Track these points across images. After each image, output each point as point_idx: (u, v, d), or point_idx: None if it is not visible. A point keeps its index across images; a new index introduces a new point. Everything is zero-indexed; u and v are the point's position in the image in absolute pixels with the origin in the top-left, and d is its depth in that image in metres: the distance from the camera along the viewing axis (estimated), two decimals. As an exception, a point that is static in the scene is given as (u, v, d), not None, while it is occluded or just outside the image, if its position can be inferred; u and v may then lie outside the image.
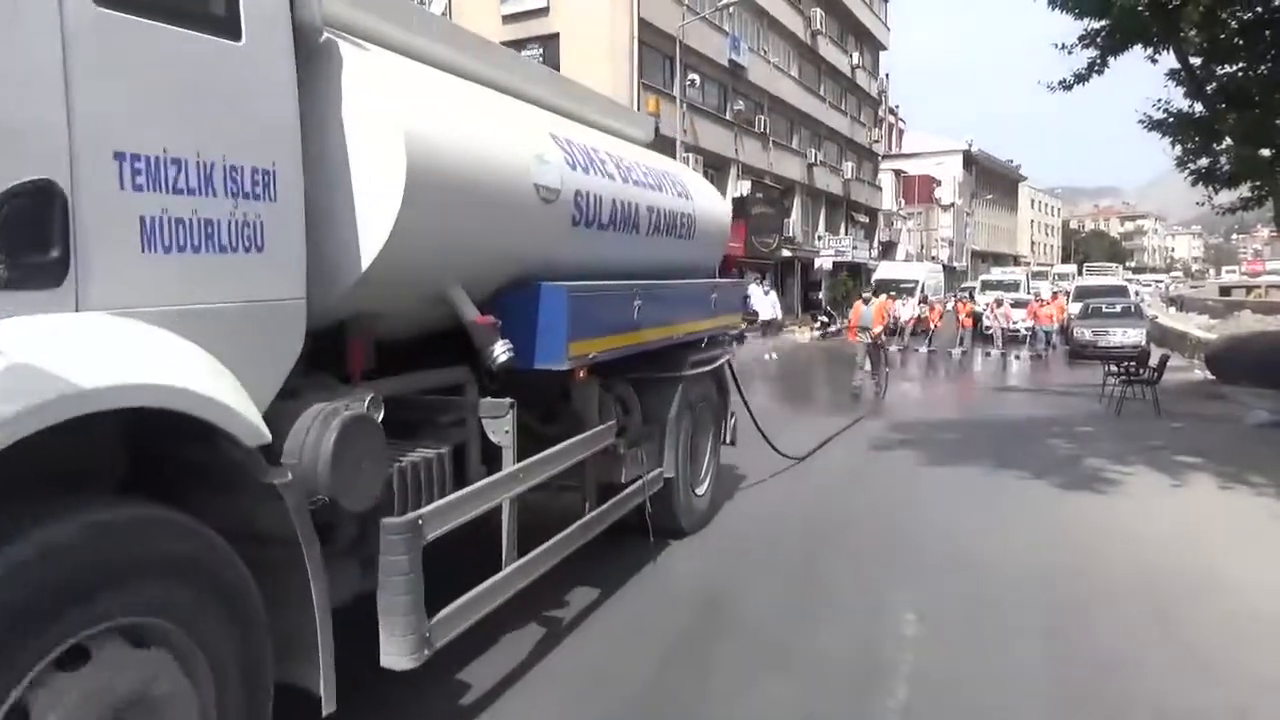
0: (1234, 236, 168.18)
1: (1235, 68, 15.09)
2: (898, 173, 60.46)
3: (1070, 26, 26.20)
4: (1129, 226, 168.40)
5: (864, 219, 52.67)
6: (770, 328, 28.58)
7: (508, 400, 4.29)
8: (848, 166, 48.81)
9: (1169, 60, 14.79)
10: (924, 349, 25.93)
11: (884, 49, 55.90)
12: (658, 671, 4.58)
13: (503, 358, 4.15)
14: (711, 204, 7.50)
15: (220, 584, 2.64)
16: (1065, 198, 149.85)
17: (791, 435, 10.26)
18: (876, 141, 55.63)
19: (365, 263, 3.44)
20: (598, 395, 5.47)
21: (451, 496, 3.78)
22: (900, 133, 68.18)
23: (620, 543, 6.09)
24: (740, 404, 8.46)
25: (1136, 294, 36.44)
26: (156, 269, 2.55)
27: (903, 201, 60.82)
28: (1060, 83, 15.57)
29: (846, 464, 9.87)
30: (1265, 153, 14.87)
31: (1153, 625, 5.17)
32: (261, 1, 2.92)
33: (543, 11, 28.53)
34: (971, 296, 31.94)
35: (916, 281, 33.81)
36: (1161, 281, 77.21)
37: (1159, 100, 15.88)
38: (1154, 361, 14.90)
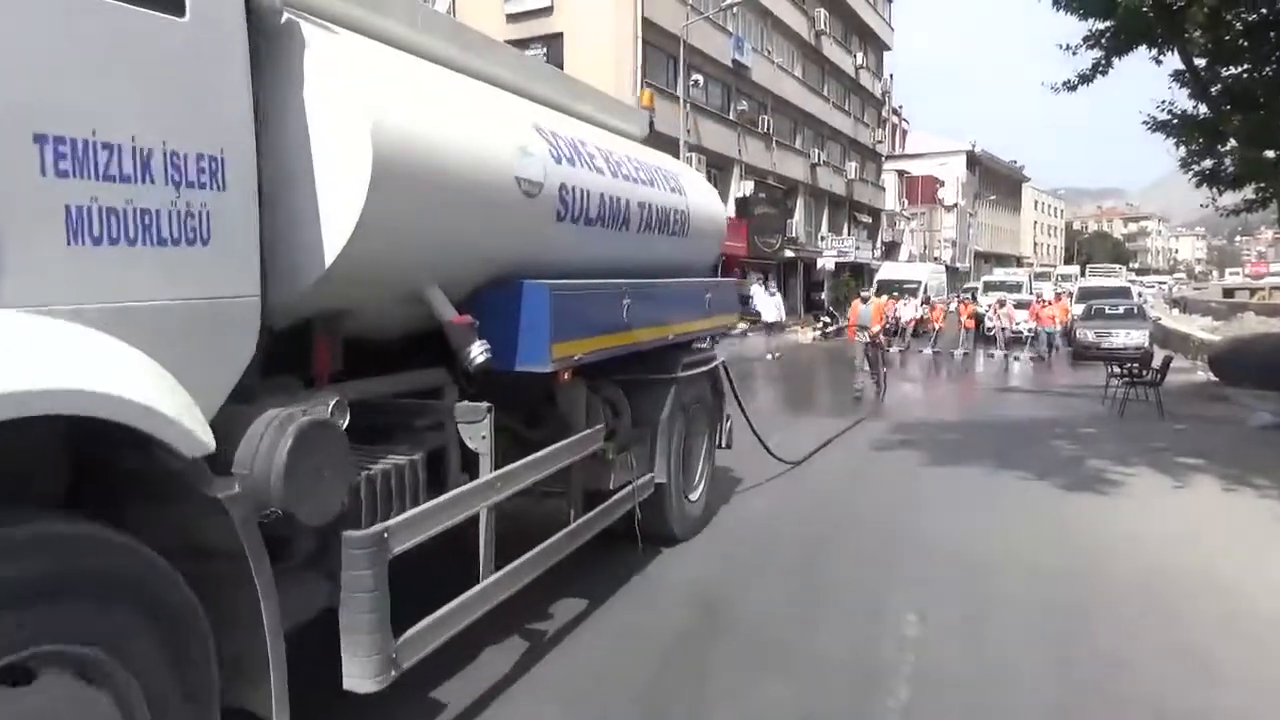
0: (1238, 238, 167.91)
1: (1240, 69, 15.08)
2: (901, 173, 60.36)
3: (1075, 27, 26.11)
4: (1132, 228, 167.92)
5: (867, 219, 52.54)
6: (774, 329, 28.34)
7: (484, 404, 4.08)
8: (851, 167, 48.74)
9: (1173, 61, 14.81)
10: (927, 350, 25.78)
11: (888, 49, 55.74)
12: (649, 685, 4.40)
13: (479, 359, 3.94)
14: (707, 200, 7.30)
15: (160, 608, 2.43)
16: (1068, 199, 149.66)
17: (792, 437, 10.16)
18: (880, 142, 55.49)
19: (329, 259, 3.23)
20: (585, 398, 5.27)
21: (421, 507, 3.56)
22: (904, 133, 68.01)
23: (610, 550, 5.90)
24: (738, 406, 8.26)
25: (1140, 295, 36.35)
26: (84, 263, 2.33)
27: (906, 202, 60.71)
28: (1064, 84, 15.58)
29: (847, 465, 9.79)
30: (1270, 154, 14.85)
31: (1154, 626, 5.14)
32: None
33: (546, 11, 28.48)
34: (974, 298, 31.74)
35: (919, 282, 33.76)
36: (1165, 283, 77.05)
37: (1163, 101, 15.94)
38: (1157, 363, 14.85)
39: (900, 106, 65.67)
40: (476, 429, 4.06)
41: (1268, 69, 14.55)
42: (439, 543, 3.69)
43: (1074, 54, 14.98)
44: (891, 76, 58.57)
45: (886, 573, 6.07)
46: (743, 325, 26.77)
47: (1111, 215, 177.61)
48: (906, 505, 8.02)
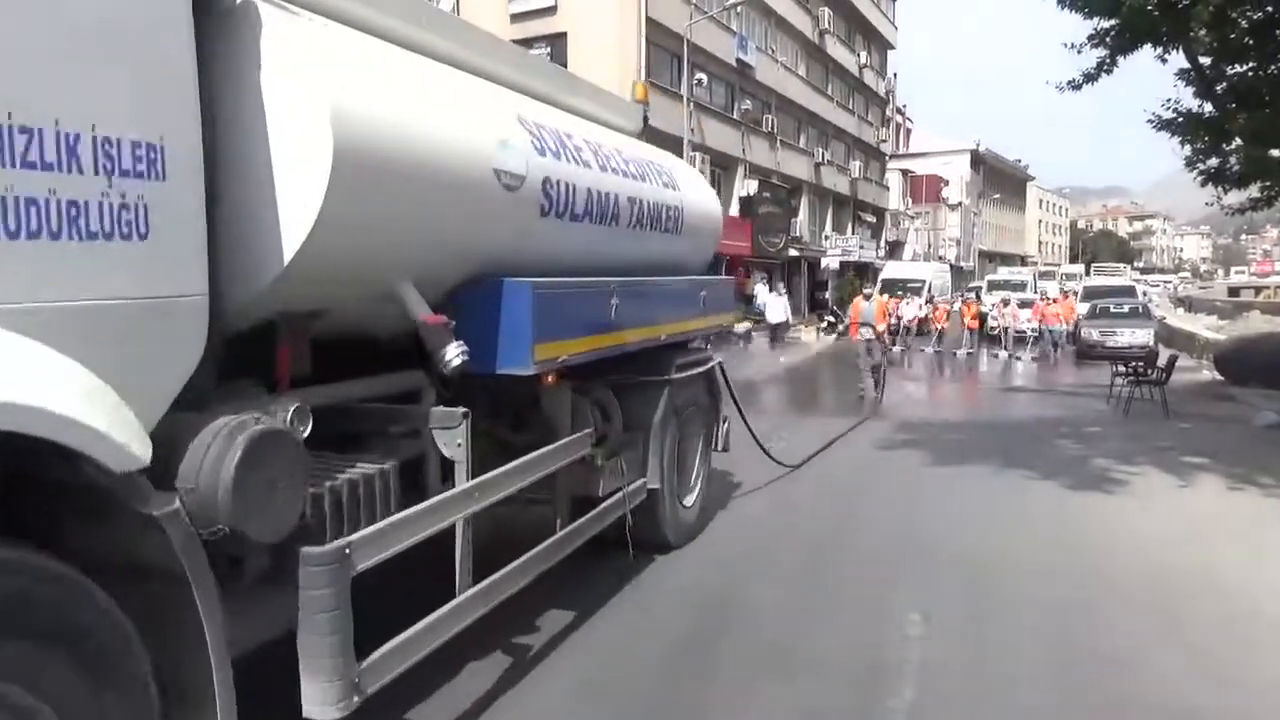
0: (1243, 237, 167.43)
1: (1245, 67, 15.09)
2: (905, 172, 60.14)
3: (1079, 26, 25.91)
4: (1137, 226, 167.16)
5: (871, 218, 52.35)
6: (779, 330, 28.08)
7: (460, 410, 3.85)
8: (855, 166, 48.57)
9: (1179, 60, 14.90)
10: (930, 349, 25.54)
11: (892, 48, 55.53)
12: (641, 702, 4.20)
13: (456, 361, 3.72)
14: (702, 197, 7.08)
15: (80, 632, 2.22)
16: (1073, 197, 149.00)
17: (792, 438, 10.00)
18: (884, 141, 55.30)
19: (288, 255, 3.01)
20: (571, 401, 5.05)
21: (388, 520, 3.33)
22: (908, 132, 67.77)
23: (602, 558, 5.71)
24: (736, 408, 8.04)
25: (1144, 294, 36.12)
26: (-1, 258, 2.12)
27: (910, 201, 60.48)
28: (1069, 82, 15.59)
29: (850, 465, 9.68)
30: (1275, 153, 14.98)
31: (1159, 626, 5.11)
32: None
33: (550, 10, 28.38)
34: (977, 297, 31.45)
35: (923, 281, 33.66)
36: (1170, 282, 76.77)
37: (1168, 100, 15.97)
38: (1162, 362, 14.78)
39: (904, 105, 65.51)
40: (452, 435, 3.83)
41: (1273, 67, 14.55)
42: (420, 554, 3.48)
43: (1079, 53, 15.02)
44: (895, 75, 58.45)
45: (889, 573, 5.97)
46: (745, 325, 26.58)
47: (1116, 214, 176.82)
48: (909, 506, 7.92)
